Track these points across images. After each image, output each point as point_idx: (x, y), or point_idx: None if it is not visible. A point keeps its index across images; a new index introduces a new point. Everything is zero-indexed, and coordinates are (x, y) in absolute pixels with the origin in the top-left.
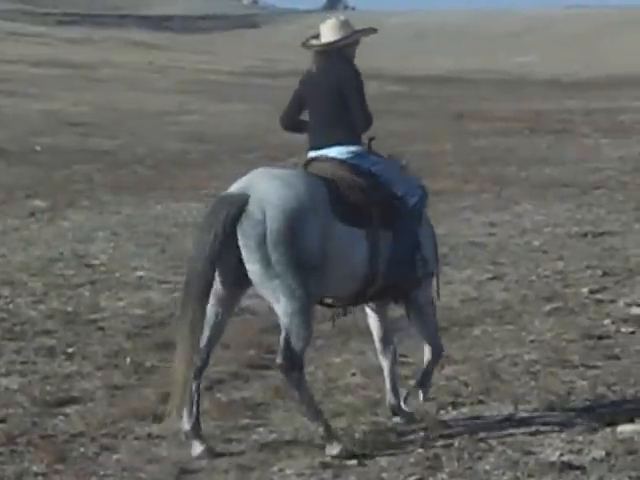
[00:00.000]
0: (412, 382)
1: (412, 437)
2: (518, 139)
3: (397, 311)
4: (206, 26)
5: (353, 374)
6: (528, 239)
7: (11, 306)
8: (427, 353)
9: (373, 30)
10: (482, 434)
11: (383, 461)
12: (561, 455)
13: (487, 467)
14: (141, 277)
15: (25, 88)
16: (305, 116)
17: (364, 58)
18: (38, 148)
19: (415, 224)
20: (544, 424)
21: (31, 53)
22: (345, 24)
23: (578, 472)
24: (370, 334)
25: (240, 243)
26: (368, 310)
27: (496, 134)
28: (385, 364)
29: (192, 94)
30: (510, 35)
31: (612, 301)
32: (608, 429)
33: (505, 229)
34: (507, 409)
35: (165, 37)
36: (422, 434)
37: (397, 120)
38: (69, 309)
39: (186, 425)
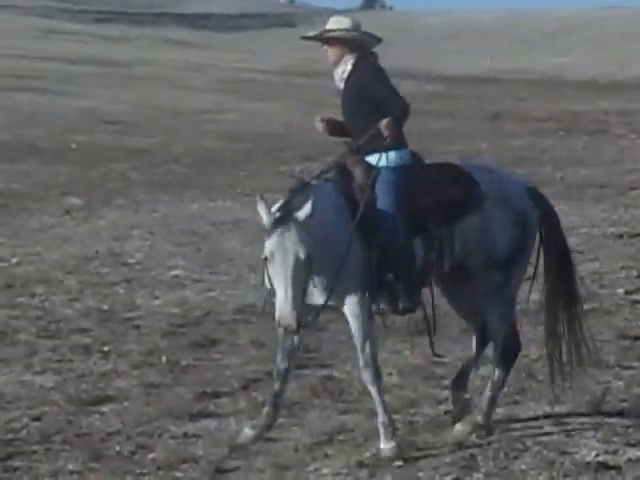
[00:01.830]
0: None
1: (448, 437)
2: (554, 139)
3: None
4: (243, 25)
5: (390, 374)
6: None
7: (46, 304)
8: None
9: (377, 39)
10: (518, 434)
11: (419, 461)
12: (597, 455)
13: (523, 467)
14: (177, 276)
15: (61, 86)
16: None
17: (400, 58)
18: (74, 146)
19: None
20: (580, 424)
21: (67, 51)
22: (353, 22)
23: (614, 472)
24: (406, 333)
25: None
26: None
27: (532, 134)
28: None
29: (228, 93)
30: (546, 35)
31: None
32: None
33: None
34: (543, 409)
35: (202, 35)
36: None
37: (433, 120)
38: (104, 307)
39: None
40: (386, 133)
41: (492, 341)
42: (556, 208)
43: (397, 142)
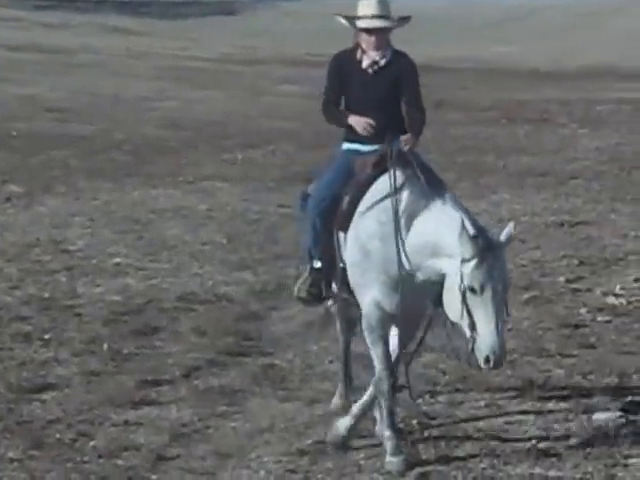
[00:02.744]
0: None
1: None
2: (496, 128)
3: None
4: (184, 12)
5: (330, 361)
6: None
7: None
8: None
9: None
10: (459, 422)
11: (360, 449)
12: (537, 443)
13: (463, 454)
14: (118, 263)
15: (1, 73)
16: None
17: (340, 46)
18: (14, 133)
19: None
20: (521, 412)
21: (8, 37)
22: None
23: (554, 459)
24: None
25: None
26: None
27: (475, 123)
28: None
29: (169, 80)
30: (490, 24)
31: (588, 290)
32: (584, 417)
33: (482, 218)
34: (484, 397)
35: (143, 23)
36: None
37: None
38: (45, 295)
39: None
40: (406, 147)
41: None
42: (498, 196)
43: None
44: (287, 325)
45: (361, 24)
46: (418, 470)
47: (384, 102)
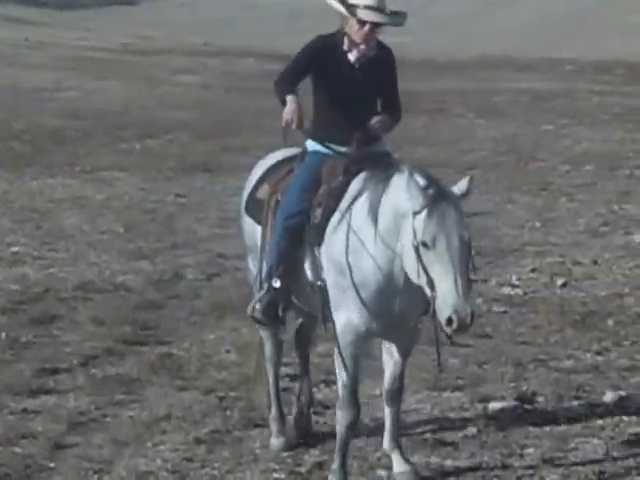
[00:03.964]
0: None
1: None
2: None
3: None
4: (82, 2)
5: (227, 351)
6: None
7: None
8: None
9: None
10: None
11: (256, 436)
12: (433, 432)
13: (360, 444)
14: (16, 252)
15: None
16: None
17: (236, 36)
18: None
19: None
20: (416, 401)
21: None
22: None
23: (450, 448)
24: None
25: None
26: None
27: None
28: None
29: (69, 70)
30: None
31: (484, 280)
32: (479, 406)
33: None
34: (379, 386)
35: (41, 13)
36: (294, 410)
37: (271, 98)
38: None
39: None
40: (376, 128)
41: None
42: None
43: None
44: (184, 314)
45: (362, 15)
46: (312, 460)
47: (366, 98)
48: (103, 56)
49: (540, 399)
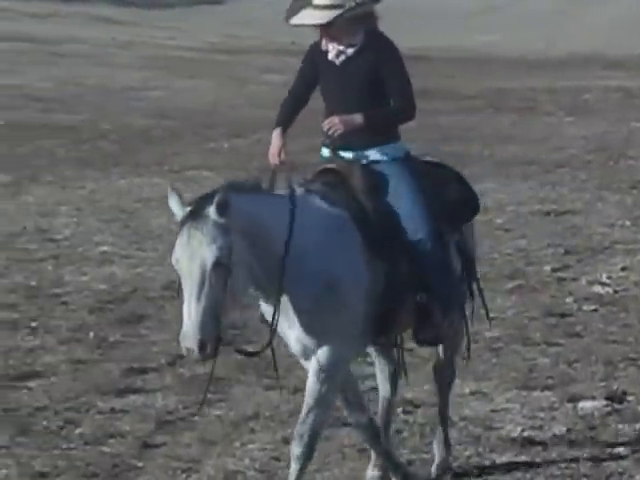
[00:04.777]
0: None
1: (374, 411)
2: (482, 117)
3: None
4: (170, 2)
5: None
6: (491, 217)
7: None
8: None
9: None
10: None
11: (344, 435)
12: (522, 431)
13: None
14: (104, 252)
15: None
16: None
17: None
18: (1, 122)
19: None
20: (506, 400)
21: None
22: None
23: (539, 448)
24: None
25: None
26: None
27: (460, 112)
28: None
29: (156, 70)
30: (474, 13)
31: (574, 279)
32: (569, 405)
33: None
34: (469, 386)
35: (129, 12)
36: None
37: None
38: (32, 283)
39: None
40: (330, 131)
41: (439, 367)
42: (483, 185)
43: (390, 135)
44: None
45: (291, 22)
46: (404, 457)
47: (356, 98)
48: (191, 55)
49: (630, 398)
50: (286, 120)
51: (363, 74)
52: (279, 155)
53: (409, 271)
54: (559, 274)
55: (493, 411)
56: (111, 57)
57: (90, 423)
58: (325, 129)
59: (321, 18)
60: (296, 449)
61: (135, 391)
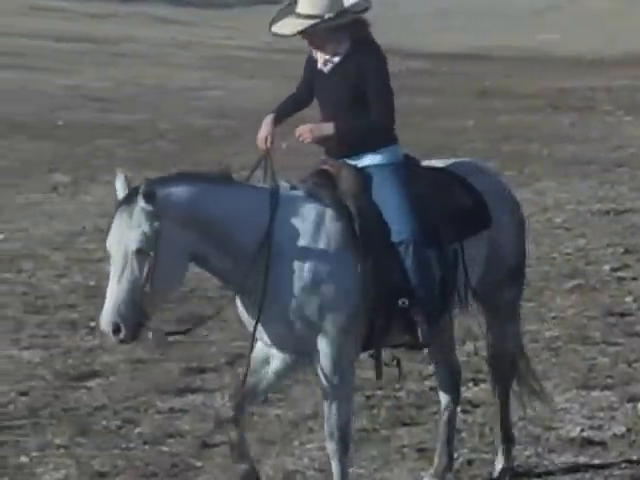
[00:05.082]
0: None
1: (433, 411)
2: (541, 116)
3: None
4: (228, 1)
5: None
6: (550, 216)
7: (33, 280)
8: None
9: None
10: None
11: (404, 435)
12: (582, 431)
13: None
14: None
15: (47, 63)
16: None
17: (383, 34)
18: (60, 123)
19: None
20: (565, 400)
21: (53, 28)
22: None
23: (599, 448)
24: None
25: None
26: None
27: (519, 111)
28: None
29: (214, 70)
30: (533, 12)
31: (634, 279)
32: (629, 405)
33: (527, 206)
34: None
35: (187, 12)
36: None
37: (419, 97)
38: (91, 283)
39: None
40: (300, 138)
41: (496, 366)
42: (543, 184)
43: (387, 139)
44: None
45: (272, 31)
46: (462, 459)
47: (344, 106)
48: (249, 55)
49: None
50: (284, 111)
51: (348, 82)
52: (266, 141)
53: (392, 273)
54: (619, 273)
55: (552, 411)
56: (170, 57)
57: (149, 423)
58: (296, 136)
59: (295, 28)
60: (329, 446)
61: (194, 391)
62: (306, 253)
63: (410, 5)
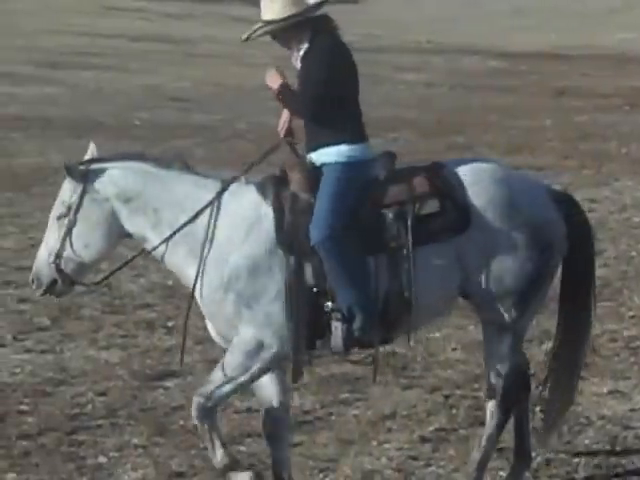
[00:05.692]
0: None
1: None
2: (618, 115)
3: None
4: None
5: (453, 349)
6: (628, 215)
7: (111, 280)
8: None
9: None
10: (582, 409)
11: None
12: None
13: (586, 441)
14: None
15: (124, 63)
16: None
17: (462, 33)
18: (138, 122)
19: None
20: None
21: (130, 28)
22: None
23: None
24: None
25: None
26: None
27: (596, 110)
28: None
29: (292, 69)
30: (610, 11)
31: None
32: None
33: (605, 205)
34: (606, 384)
35: None
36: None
37: (497, 96)
38: (169, 283)
39: None
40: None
41: (490, 389)
42: (621, 183)
43: (351, 134)
44: None
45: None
46: (539, 459)
47: (309, 98)
48: None
49: None
50: None
51: (305, 75)
52: (285, 126)
53: (316, 275)
54: None
55: (632, 410)
56: (247, 57)
57: (227, 422)
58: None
59: (246, 34)
60: (195, 398)
61: None
62: (235, 243)
63: (490, 4)
